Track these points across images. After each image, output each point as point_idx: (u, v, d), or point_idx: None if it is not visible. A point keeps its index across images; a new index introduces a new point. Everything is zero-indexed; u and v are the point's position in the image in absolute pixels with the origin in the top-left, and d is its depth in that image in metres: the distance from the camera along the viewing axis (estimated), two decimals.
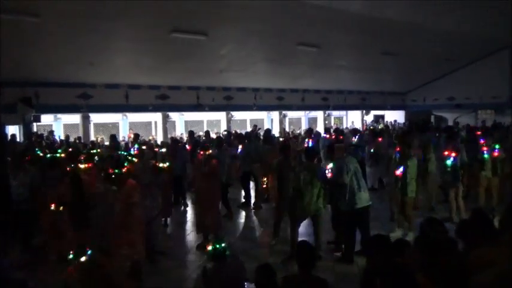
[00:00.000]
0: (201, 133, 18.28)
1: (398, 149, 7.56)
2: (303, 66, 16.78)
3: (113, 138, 12.28)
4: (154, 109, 16.09)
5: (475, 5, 12.32)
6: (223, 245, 4.18)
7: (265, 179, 10.21)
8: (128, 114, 18.78)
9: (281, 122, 21.08)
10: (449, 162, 8.03)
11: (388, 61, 17.28)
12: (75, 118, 17.06)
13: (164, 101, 15.85)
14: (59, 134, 16.75)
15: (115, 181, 5.53)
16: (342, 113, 25.41)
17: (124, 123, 19.53)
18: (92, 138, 16.27)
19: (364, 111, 24.02)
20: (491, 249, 2.71)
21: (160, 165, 7.39)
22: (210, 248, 4.20)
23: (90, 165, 7.02)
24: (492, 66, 19.50)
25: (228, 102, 17.60)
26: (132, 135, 14.35)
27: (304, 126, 23.80)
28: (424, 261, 2.83)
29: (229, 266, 4.13)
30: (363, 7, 11.85)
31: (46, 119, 16.57)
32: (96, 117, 17.60)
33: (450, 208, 8.12)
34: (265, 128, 16.08)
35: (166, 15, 10.87)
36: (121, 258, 5.38)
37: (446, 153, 8.15)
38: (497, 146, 8.63)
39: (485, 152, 8.55)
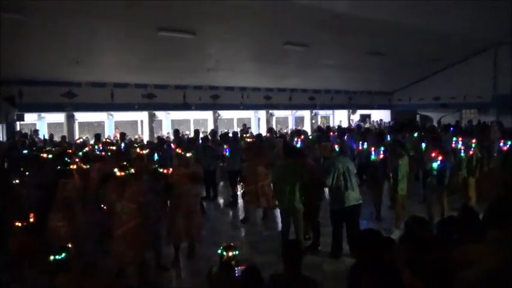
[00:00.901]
0: (187, 132, 18.21)
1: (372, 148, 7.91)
2: (290, 65, 16.80)
3: (97, 137, 12.13)
4: (141, 108, 15.95)
5: (461, 6, 12.47)
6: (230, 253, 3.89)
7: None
8: (113, 113, 18.56)
9: (268, 121, 21.07)
10: (435, 165, 7.66)
11: (375, 61, 17.39)
12: (59, 117, 16.80)
13: (151, 100, 15.72)
14: (43, 133, 16.48)
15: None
16: (329, 112, 25.52)
17: (110, 122, 19.28)
18: (77, 137, 16.02)
19: (350, 111, 24.18)
20: (476, 247, 2.73)
21: (160, 170, 6.69)
22: (219, 251, 3.92)
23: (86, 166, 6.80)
24: (477, 66, 19.78)
25: (215, 101, 17.55)
26: (118, 135, 14.20)
27: (291, 125, 23.85)
28: (410, 258, 2.84)
29: (236, 278, 3.72)
30: (351, 7, 11.91)
31: (30, 117, 16.28)
32: (81, 116, 17.33)
33: (428, 207, 7.88)
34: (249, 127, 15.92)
35: (154, 14, 10.75)
36: (118, 260, 5.35)
37: (433, 154, 7.81)
38: (473, 145, 8.73)
39: (462, 150, 8.66)
